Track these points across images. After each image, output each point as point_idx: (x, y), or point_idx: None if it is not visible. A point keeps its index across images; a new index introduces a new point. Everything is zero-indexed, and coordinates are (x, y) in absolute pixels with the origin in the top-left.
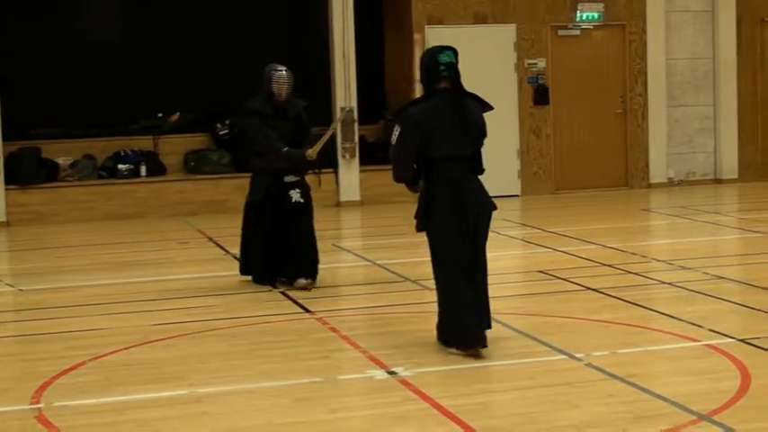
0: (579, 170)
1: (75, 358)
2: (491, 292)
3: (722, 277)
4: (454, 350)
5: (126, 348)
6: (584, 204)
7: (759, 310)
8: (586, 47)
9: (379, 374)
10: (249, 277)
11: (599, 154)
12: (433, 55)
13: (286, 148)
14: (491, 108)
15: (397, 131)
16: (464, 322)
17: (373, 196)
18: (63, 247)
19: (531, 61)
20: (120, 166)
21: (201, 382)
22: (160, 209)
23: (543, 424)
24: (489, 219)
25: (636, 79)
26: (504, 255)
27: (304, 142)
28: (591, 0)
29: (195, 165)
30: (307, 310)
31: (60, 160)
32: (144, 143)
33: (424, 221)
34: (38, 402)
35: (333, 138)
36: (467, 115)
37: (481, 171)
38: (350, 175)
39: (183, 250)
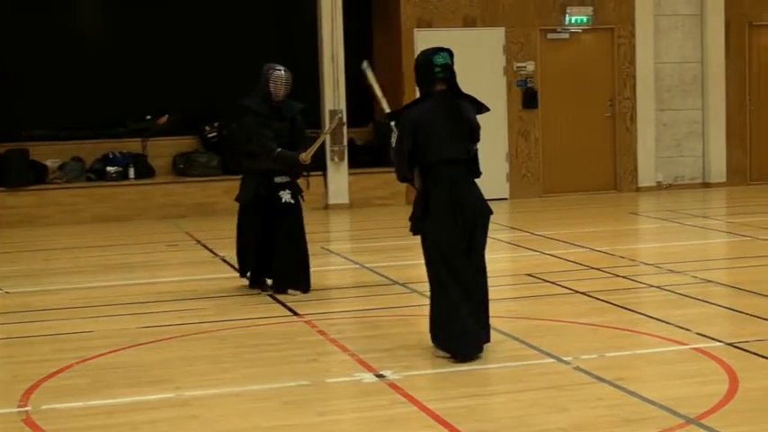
0: (568, 173)
1: (62, 361)
2: None
3: (710, 281)
4: (441, 353)
5: (114, 351)
6: (573, 208)
7: (747, 313)
8: (575, 50)
9: (368, 377)
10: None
11: (588, 157)
12: (428, 57)
13: (279, 149)
14: (487, 109)
15: (395, 134)
16: (455, 330)
17: (362, 199)
18: (51, 250)
19: (519, 64)
20: (109, 169)
21: (189, 385)
22: (149, 211)
23: (532, 427)
24: (487, 224)
25: (624, 83)
26: (493, 258)
27: (298, 144)
28: (580, 4)
29: (184, 167)
30: (295, 313)
31: (49, 162)
32: (132, 145)
33: (420, 222)
34: (25, 405)
35: (322, 141)
36: (462, 118)
37: (478, 174)
38: (339, 178)
39: (171, 253)
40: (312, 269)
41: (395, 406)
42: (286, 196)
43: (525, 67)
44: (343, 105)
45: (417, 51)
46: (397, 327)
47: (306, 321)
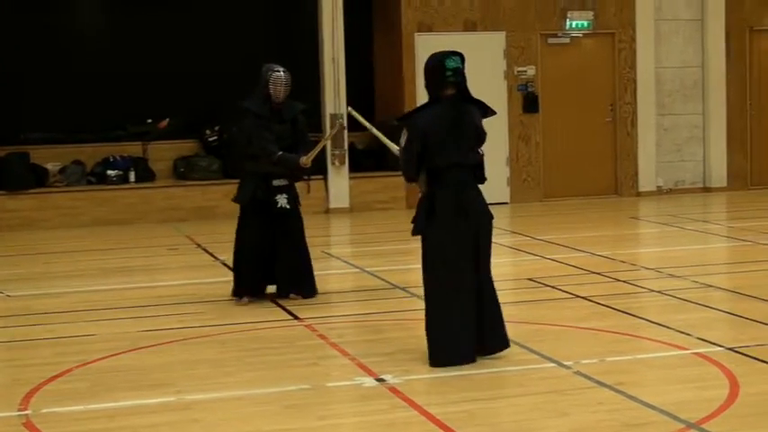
0: (568, 178)
1: (63, 364)
2: None
3: (711, 286)
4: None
5: (114, 355)
6: (574, 212)
7: (748, 318)
8: (576, 55)
9: (368, 382)
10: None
11: (588, 162)
12: (439, 60)
13: (280, 153)
14: (493, 113)
15: (404, 136)
16: (441, 334)
17: (363, 203)
18: (51, 253)
19: (520, 69)
20: (110, 172)
21: (190, 388)
22: (149, 215)
23: None
24: (491, 229)
25: (625, 87)
26: (493, 262)
27: (299, 146)
28: (580, 8)
29: (184, 171)
30: (296, 317)
31: (49, 166)
32: (133, 149)
33: (423, 224)
34: (25, 409)
35: (323, 146)
36: (471, 123)
37: (483, 180)
38: (339, 182)
39: (172, 256)
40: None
41: (395, 410)
42: (282, 201)
43: (526, 71)
44: (343, 109)
45: (418, 55)
46: (398, 331)
47: (306, 325)
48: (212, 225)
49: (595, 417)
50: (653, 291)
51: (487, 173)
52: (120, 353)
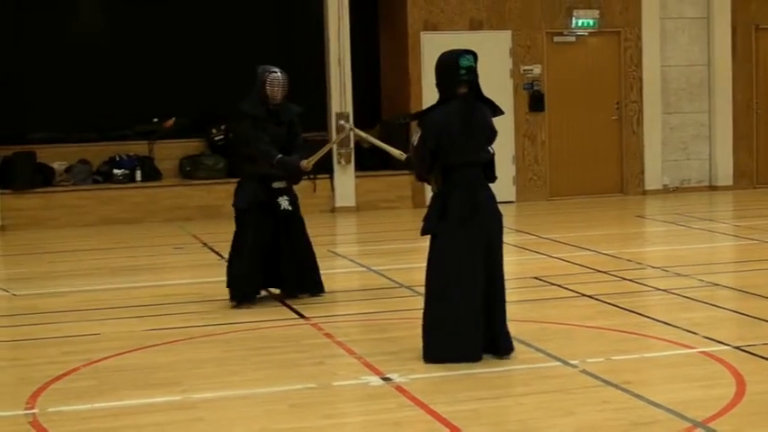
0: (574, 177)
1: (69, 363)
2: None
3: (717, 284)
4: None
5: (120, 354)
6: (579, 211)
7: (754, 317)
8: (582, 53)
9: (374, 381)
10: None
11: (594, 160)
12: (453, 58)
13: (279, 155)
14: (501, 112)
15: (417, 134)
16: (446, 332)
17: (369, 202)
18: (58, 252)
19: (526, 68)
20: (116, 171)
21: (196, 387)
22: (155, 214)
23: (538, 431)
24: (502, 228)
25: (631, 86)
26: None
27: (294, 149)
28: (586, 7)
29: (190, 170)
30: (302, 316)
31: (55, 165)
32: (139, 148)
33: (436, 223)
34: (32, 408)
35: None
36: (483, 122)
37: (493, 179)
38: (345, 181)
39: (177, 256)
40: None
41: (401, 409)
42: (284, 203)
43: (532, 70)
44: (350, 108)
45: (424, 54)
46: (404, 330)
47: (312, 324)
48: (218, 224)
49: (602, 415)
50: (659, 289)
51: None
52: (125, 352)
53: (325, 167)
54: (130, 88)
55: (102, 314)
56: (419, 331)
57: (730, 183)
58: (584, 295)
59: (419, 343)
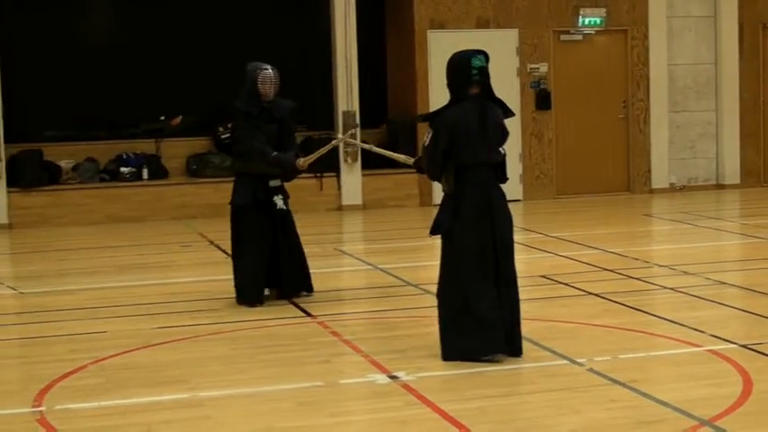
0: (581, 175)
1: (77, 361)
2: None
3: (724, 283)
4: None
5: (127, 352)
6: (586, 209)
7: (761, 315)
8: (588, 52)
9: (381, 379)
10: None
11: (601, 159)
12: (465, 58)
13: (275, 153)
14: (512, 114)
15: (429, 134)
16: (461, 333)
17: (375, 200)
18: (65, 250)
19: (533, 66)
20: (123, 169)
21: (203, 385)
22: (162, 212)
23: (545, 429)
24: (512, 229)
25: (638, 84)
26: None
27: (286, 146)
28: (593, 5)
29: (197, 168)
30: (308, 315)
31: (62, 163)
32: (146, 146)
33: (447, 223)
34: (40, 405)
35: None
36: (495, 122)
37: (505, 179)
38: (352, 179)
39: (184, 254)
40: (325, 270)
41: (408, 407)
42: (279, 202)
43: (538, 68)
44: (356, 107)
45: (430, 53)
46: (411, 328)
47: (319, 322)
48: (225, 222)
49: (608, 414)
50: (666, 288)
51: None
52: (133, 350)
53: (331, 165)
54: (137, 87)
55: (109, 312)
56: (426, 329)
57: (737, 181)
58: (590, 294)
59: (426, 341)
